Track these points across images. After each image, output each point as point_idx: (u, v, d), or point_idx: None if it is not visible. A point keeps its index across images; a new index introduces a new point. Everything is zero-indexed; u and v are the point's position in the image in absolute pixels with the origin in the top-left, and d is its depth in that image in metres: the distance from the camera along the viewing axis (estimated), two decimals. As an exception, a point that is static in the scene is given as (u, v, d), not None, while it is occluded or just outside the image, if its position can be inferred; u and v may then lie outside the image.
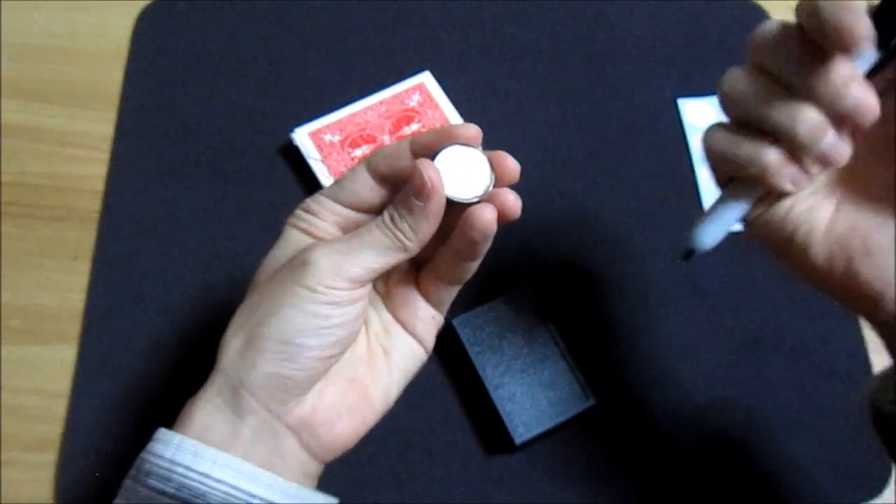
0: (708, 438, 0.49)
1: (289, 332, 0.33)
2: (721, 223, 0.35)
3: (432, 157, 0.34)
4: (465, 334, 0.49)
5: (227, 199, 0.55)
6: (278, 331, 0.33)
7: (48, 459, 0.47)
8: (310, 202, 0.37)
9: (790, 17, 0.31)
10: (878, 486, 0.48)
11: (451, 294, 0.38)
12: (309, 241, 0.36)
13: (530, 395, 0.47)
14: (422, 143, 0.35)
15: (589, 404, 0.47)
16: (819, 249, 0.33)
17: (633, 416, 0.50)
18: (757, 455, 0.49)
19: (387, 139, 0.55)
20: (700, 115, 0.59)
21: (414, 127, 0.56)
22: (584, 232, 0.55)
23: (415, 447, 0.48)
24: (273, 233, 0.37)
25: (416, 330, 0.38)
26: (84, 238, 0.53)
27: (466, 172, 0.34)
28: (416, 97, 0.57)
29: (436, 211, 0.34)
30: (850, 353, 0.52)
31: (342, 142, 0.55)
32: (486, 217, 0.34)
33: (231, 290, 0.36)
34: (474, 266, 0.37)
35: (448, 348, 0.50)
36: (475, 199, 0.34)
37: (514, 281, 0.51)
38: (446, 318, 0.49)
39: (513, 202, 0.35)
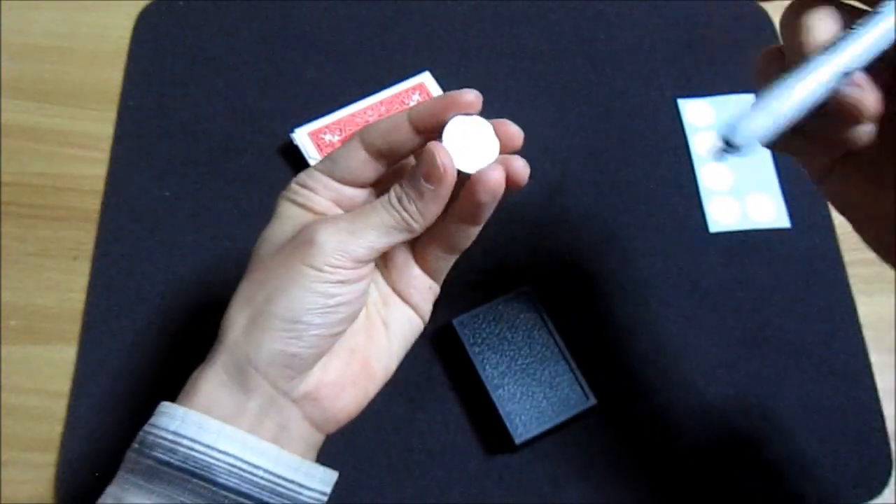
0: (708, 438, 0.49)
1: (295, 311, 0.33)
2: (779, 111, 0.28)
3: (439, 132, 0.34)
4: (465, 334, 0.49)
5: (227, 199, 0.55)
6: (285, 309, 0.33)
7: (48, 459, 0.47)
8: (304, 177, 0.36)
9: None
10: (878, 486, 0.48)
11: (448, 263, 0.38)
12: (307, 215, 0.36)
13: (530, 395, 0.47)
14: (420, 114, 0.34)
15: (589, 404, 0.47)
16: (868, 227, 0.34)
17: (633, 416, 0.50)
18: (757, 455, 0.49)
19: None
20: (700, 115, 0.59)
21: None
22: (584, 232, 0.55)
23: (415, 447, 0.48)
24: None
25: (414, 300, 0.38)
26: (84, 238, 0.53)
27: (474, 144, 0.34)
28: (416, 97, 0.57)
29: (445, 194, 0.34)
30: (850, 353, 0.52)
31: (342, 142, 0.55)
32: (495, 178, 0.34)
33: (231, 291, 0.36)
34: (475, 232, 0.37)
35: (448, 348, 0.50)
36: None
37: (514, 281, 0.51)
38: (447, 318, 0.49)
39: (521, 168, 0.35)
